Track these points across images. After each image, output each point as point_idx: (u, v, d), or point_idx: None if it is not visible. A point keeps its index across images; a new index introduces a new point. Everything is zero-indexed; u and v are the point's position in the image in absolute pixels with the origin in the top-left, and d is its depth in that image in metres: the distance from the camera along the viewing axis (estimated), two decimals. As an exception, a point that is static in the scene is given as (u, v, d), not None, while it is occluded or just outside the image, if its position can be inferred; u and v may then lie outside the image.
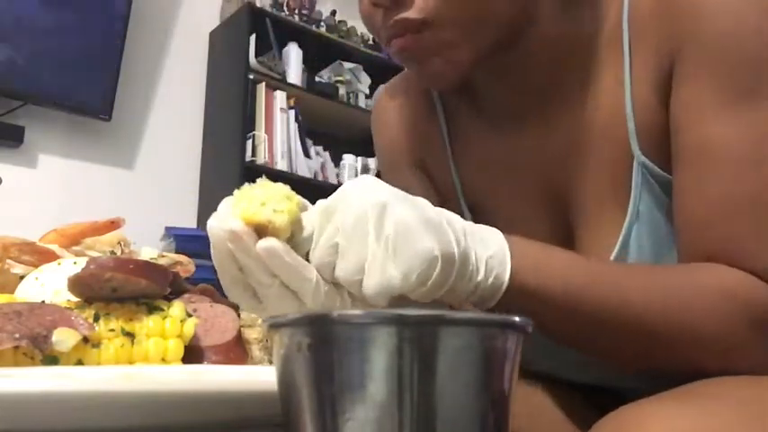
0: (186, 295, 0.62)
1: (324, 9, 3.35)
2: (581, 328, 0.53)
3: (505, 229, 0.58)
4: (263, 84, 2.90)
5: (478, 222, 0.52)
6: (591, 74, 0.65)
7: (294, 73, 3.05)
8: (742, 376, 0.55)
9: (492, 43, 0.62)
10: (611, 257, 0.63)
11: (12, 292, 0.61)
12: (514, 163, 0.70)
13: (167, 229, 2.63)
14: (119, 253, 0.73)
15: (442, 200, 0.78)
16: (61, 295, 0.57)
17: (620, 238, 0.63)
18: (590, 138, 0.65)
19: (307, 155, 3.06)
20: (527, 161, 0.69)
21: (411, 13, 0.60)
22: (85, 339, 0.52)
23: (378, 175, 0.56)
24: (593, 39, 0.65)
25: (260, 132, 2.85)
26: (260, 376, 0.46)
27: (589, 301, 0.52)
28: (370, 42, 3.40)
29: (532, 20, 0.63)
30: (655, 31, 0.61)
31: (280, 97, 2.96)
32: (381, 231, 0.46)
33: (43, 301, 0.55)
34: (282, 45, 3.03)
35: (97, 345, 0.53)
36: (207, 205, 2.88)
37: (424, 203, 0.48)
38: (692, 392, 0.51)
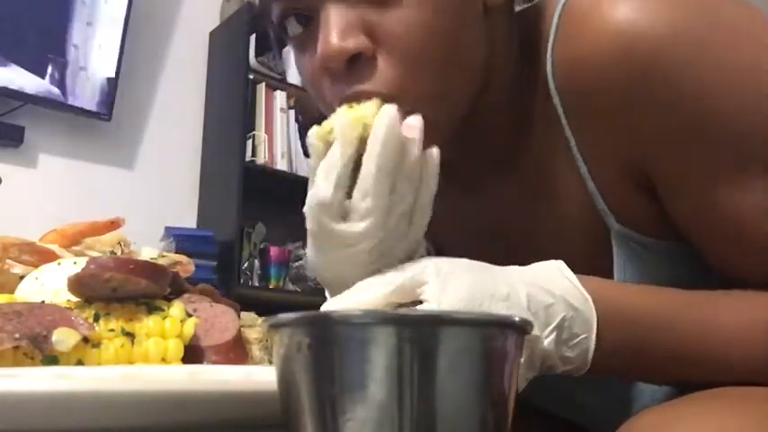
0: (186, 295, 0.62)
1: (324, 9, 3.34)
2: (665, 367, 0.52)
3: None
4: (263, 84, 2.90)
5: None
6: (539, 147, 0.60)
7: (294, 73, 3.05)
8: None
9: (453, 119, 0.57)
10: None
11: (12, 292, 0.61)
12: (480, 231, 0.67)
13: (167, 229, 2.62)
14: (119, 253, 0.73)
15: None
16: (61, 295, 0.57)
17: None
18: (554, 212, 0.61)
19: (307, 155, 3.05)
20: (494, 231, 0.66)
21: (370, 86, 0.53)
22: (85, 339, 0.52)
23: None
24: (530, 108, 0.60)
25: (260, 132, 2.84)
26: (260, 376, 0.46)
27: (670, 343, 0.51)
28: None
29: (487, 88, 0.59)
30: (595, 115, 0.55)
31: (280, 97, 2.96)
32: None
33: (43, 301, 0.55)
34: (282, 45, 3.02)
35: (97, 345, 0.53)
36: (207, 205, 2.88)
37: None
38: (715, 396, 0.50)
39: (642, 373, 0.54)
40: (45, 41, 2.49)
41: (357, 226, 0.48)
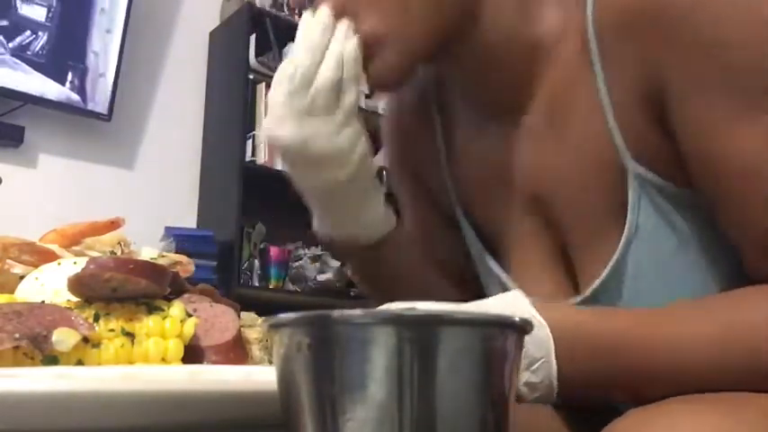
0: (186, 295, 0.62)
1: (324, 9, 3.34)
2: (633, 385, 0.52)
3: (498, 241, 0.60)
4: (263, 84, 2.90)
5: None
6: (561, 83, 0.62)
7: (294, 73, 3.05)
8: None
9: (425, 39, 0.59)
10: (603, 275, 0.60)
11: (12, 292, 0.61)
12: (501, 170, 0.67)
13: (167, 229, 2.63)
14: (119, 253, 0.73)
15: (437, 209, 0.78)
16: (61, 295, 0.57)
17: (617, 255, 0.60)
18: (573, 150, 0.62)
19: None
20: (512, 168, 0.66)
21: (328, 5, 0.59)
22: (85, 339, 0.52)
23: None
24: (556, 46, 0.61)
25: (260, 132, 2.84)
26: (260, 376, 0.46)
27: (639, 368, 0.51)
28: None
29: (472, 14, 0.60)
30: (631, 44, 0.56)
31: (280, 97, 2.96)
32: None
33: (43, 301, 0.55)
34: (282, 45, 3.02)
35: (97, 345, 0.53)
36: (207, 205, 2.88)
37: None
38: (719, 395, 0.49)
39: (613, 394, 0.54)
40: (45, 41, 2.49)
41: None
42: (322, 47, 0.58)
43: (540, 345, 0.49)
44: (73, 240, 0.73)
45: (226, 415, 0.42)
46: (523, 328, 0.35)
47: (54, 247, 0.69)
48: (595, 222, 0.61)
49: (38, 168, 2.57)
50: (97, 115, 2.60)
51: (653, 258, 0.60)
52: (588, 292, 0.62)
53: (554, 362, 0.49)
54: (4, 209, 2.18)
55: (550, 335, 0.50)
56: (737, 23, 0.52)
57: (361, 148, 0.62)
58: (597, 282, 0.61)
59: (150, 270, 0.56)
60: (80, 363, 0.52)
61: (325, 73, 0.58)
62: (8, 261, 0.66)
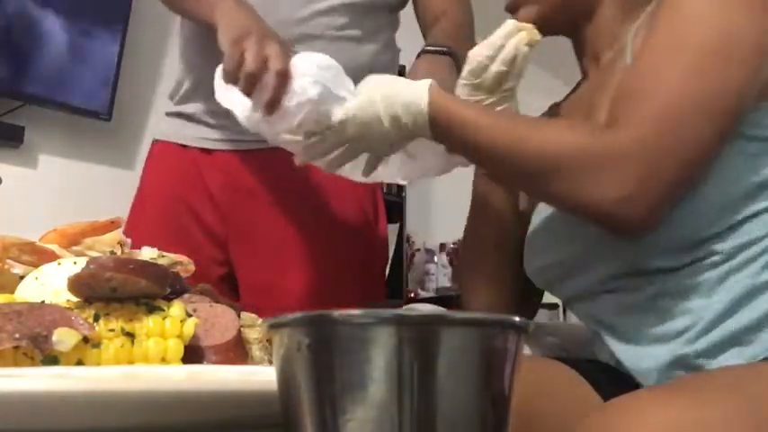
0: (186, 295, 0.62)
1: (324, 9, 3.34)
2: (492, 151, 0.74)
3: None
4: (263, 84, 2.89)
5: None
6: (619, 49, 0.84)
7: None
8: (735, 367, 0.66)
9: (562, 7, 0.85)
10: None
11: (12, 292, 0.61)
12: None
13: (167, 229, 2.62)
14: (119, 253, 0.73)
15: None
16: (61, 295, 0.57)
17: None
18: (614, 68, 0.82)
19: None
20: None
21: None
22: (85, 339, 0.52)
23: None
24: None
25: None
26: (260, 376, 0.46)
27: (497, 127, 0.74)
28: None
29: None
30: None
31: (279, 97, 2.96)
32: None
33: (43, 301, 0.55)
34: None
35: (97, 345, 0.53)
36: (207, 205, 2.88)
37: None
38: (683, 384, 0.59)
39: (471, 148, 0.77)
40: (46, 41, 2.49)
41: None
42: (497, 46, 0.80)
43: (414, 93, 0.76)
44: (73, 240, 0.73)
45: (225, 415, 0.42)
46: (524, 328, 0.35)
47: (54, 247, 0.69)
48: None
49: (38, 168, 2.56)
50: (97, 115, 2.60)
51: None
52: None
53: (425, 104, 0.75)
54: (4, 209, 2.18)
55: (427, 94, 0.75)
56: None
57: None
58: None
59: (150, 270, 0.56)
60: (80, 363, 0.52)
61: (494, 68, 0.80)
62: (8, 261, 0.66)
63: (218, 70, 0.87)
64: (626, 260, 0.75)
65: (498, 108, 0.82)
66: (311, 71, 0.81)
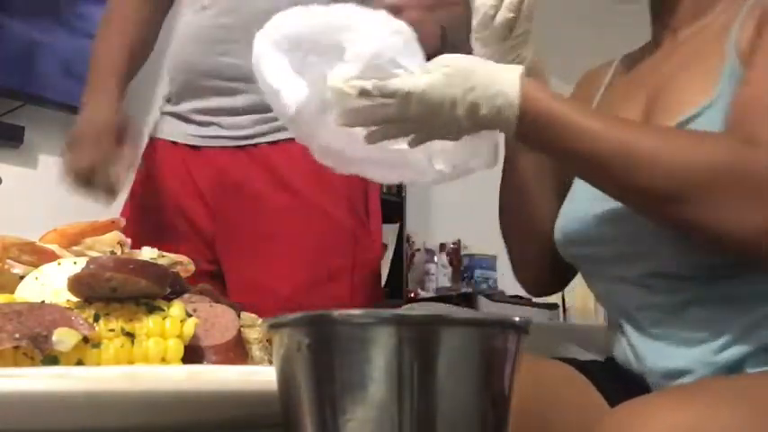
0: (186, 295, 0.62)
1: (324, 9, 3.34)
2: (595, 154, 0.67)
3: None
4: (263, 83, 2.89)
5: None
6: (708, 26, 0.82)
7: (294, 73, 3.04)
8: (749, 374, 0.67)
9: None
10: (679, 119, 0.74)
11: (12, 292, 0.61)
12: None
13: (167, 229, 2.62)
14: (119, 253, 0.73)
15: None
16: (61, 295, 0.57)
17: (695, 110, 0.74)
18: (698, 47, 0.81)
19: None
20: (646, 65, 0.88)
21: None
22: (85, 339, 0.52)
23: None
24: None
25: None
26: (260, 376, 0.46)
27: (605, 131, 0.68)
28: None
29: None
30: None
31: (279, 97, 2.95)
32: None
33: (43, 301, 0.55)
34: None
35: (97, 345, 0.53)
36: (207, 205, 2.87)
37: None
38: (696, 389, 0.58)
39: (562, 149, 0.69)
40: (46, 41, 2.49)
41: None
42: None
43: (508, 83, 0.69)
44: (73, 240, 0.73)
45: (226, 415, 0.42)
46: (524, 328, 0.35)
47: (54, 247, 0.69)
48: (689, 86, 0.77)
49: (38, 168, 2.56)
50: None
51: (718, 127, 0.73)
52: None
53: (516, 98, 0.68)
54: (4, 209, 2.18)
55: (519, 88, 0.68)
56: None
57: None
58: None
59: (150, 270, 0.56)
60: (80, 363, 0.52)
61: (500, 15, 0.76)
62: (8, 261, 0.66)
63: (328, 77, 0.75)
64: (663, 263, 0.74)
65: (511, 56, 0.77)
66: (382, 33, 0.73)
